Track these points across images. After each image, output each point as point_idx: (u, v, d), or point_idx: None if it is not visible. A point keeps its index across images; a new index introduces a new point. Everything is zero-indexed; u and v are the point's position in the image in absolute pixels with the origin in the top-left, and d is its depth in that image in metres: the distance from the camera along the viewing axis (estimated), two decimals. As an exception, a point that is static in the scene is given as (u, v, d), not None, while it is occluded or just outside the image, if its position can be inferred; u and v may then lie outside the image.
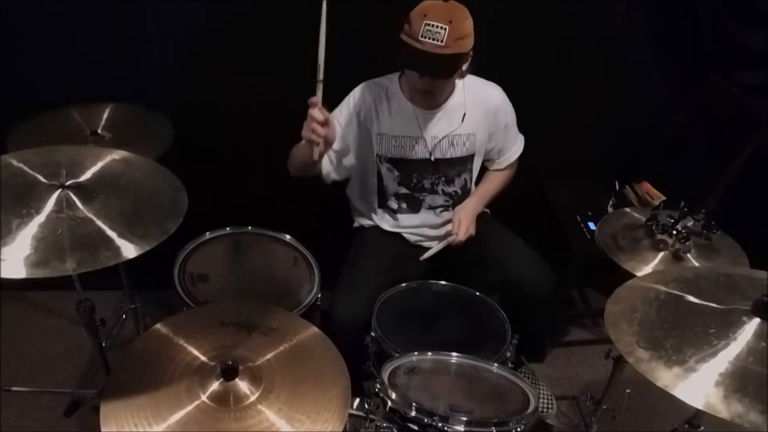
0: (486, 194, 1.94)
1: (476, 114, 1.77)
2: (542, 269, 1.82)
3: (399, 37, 1.57)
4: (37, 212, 1.18)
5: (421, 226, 1.90)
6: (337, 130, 1.75)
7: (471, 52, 1.61)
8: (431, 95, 1.69)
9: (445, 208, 1.88)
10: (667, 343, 1.05)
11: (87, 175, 1.31)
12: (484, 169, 1.98)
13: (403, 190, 1.84)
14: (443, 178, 1.82)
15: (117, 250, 1.15)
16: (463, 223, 1.81)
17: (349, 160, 1.82)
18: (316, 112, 1.47)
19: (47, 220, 1.17)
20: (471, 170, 1.84)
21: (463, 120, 1.75)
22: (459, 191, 1.85)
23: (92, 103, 1.90)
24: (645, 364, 1.03)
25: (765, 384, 0.94)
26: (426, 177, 1.81)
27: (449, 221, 1.88)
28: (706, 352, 1.02)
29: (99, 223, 1.19)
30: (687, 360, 1.01)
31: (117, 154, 1.41)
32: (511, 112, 1.85)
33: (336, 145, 1.74)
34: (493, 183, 1.96)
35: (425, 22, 1.51)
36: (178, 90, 2.03)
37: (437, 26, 1.50)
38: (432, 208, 1.87)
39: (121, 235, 1.17)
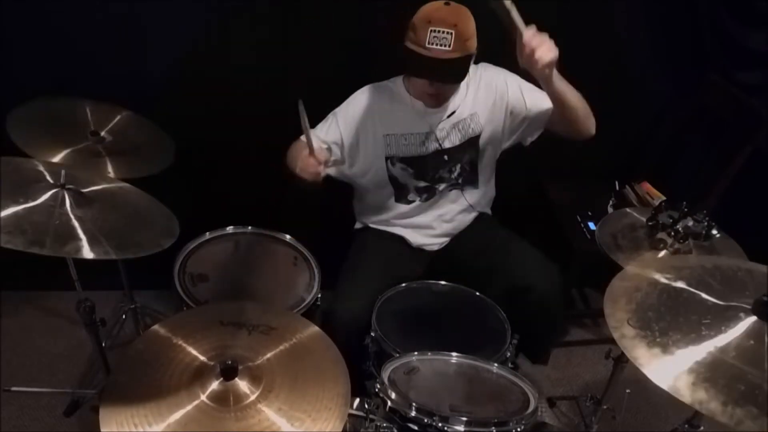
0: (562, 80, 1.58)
1: (477, 95, 1.76)
2: (550, 272, 1.80)
3: (404, 44, 1.57)
4: (33, 201, 1.22)
5: (432, 222, 1.90)
6: (332, 129, 1.77)
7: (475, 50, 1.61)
8: (441, 97, 1.70)
9: (453, 186, 1.88)
10: (656, 325, 1.06)
11: (86, 189, 1.33)
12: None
13: (422, 183, 1.84)
14: (458, 165, 1.83)
15: (80, 247, 1.18)
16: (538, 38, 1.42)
17: (347, 160, 1.82)
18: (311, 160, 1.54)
19: (38, 208, 1.21)
20: (478, 147, 1.82)
21: (457, 110, 1.75)
22: (467, 167, 1.85)
23: (107, 104, 1.87)
24: (627, 341, 1.04)
25: (738, 379, 0.95)
26: (441, 168, 1.81)
27: (459, 212, 1.89)
28: (690, 339, 1.02)
29: (75, 223, 1.22)
30: (669, 344, 1.02)
31: (113, 182, 1.46)
32: (513, 76, 1.73)
33: (330, 141, 1.77)
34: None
35: (431, 28, 1.50)
36: (179, 92, 2.03)
37: (443, 32, 1.50)
38: (441, 191, 1.87)
39: (90, 238, 1.19)
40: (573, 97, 1.63)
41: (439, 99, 1.71)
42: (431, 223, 1.90)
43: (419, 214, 1.90)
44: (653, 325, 1.06)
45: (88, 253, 1.16)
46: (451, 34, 1.50)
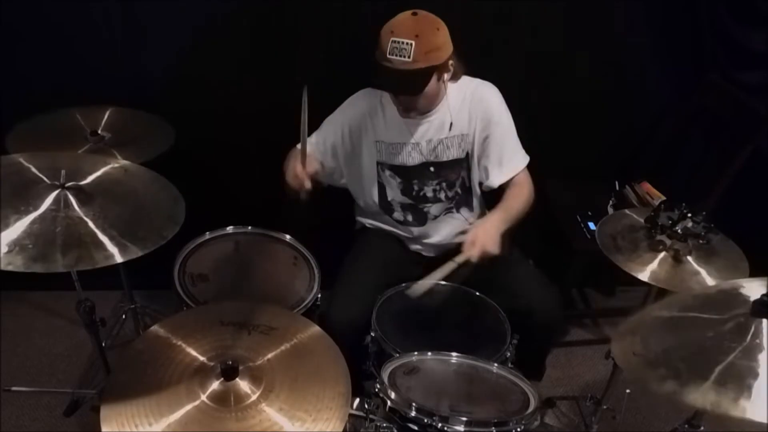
0: (510, 210, 1.72)
1: (471, 113, 1.73)
2: (553, 298, 1.76)
3: (374, 55, 1.56)
4: (35, 209, 1.19)
5: (428, 237, 1.88)
6: (329, 135, 1.77)
7: (450, 62, 1.59)
8: (412, 108, 1.69)
9: (448, 210, 1.87)
10: (659, 347, 1.06)
11: (87, 180, 1.32)
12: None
13: (407, 200, 1.83)
14: (444, 183, 1.80)
15: (108, 252, 1.15)
16: (478, 240, 1.60)
17: (343, 165, 1.82)
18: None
19: (44, 217, 1.17)
20: (469, 168, 1.82)
21: (451, 126, 1.73)
22: (459, 191, 1.84)
23: (93, 105, 1.89)
24: (636, 371, 1.05)
25: (746, 377, 0.95)
26: (427, 184, 1.79)
27: (460, 232, 1.85)
28: (696, 354, 1.02)
29: (91, 225, 1.19)
30: (674, 361, 1.01)
31: (116, 162, 1.42)
32: (508, 117, 1.77)
33: (325, 151, 1.77)
34: (516, 199, 1.75)
35: (392, 39, 1.50)
36: (178, 92, 2.03)
37: (403, 42, 1.49)
38: (436, 217, 1.86)
39: (112, 239, 1.17)
40: (523, 210, 1.75)
41: (408, 110, 1.69)
42: (429, 240, 1.90)
43: (421, 237, 1.89)
44: (656, 348, 1.06)
45: (115, 258, 1.14)
46: (411, 45, 1.48)
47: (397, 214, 1.86)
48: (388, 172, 1.80)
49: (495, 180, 1.78)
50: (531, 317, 1.70)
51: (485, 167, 1.79)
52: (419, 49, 1.49)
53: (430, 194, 1.81)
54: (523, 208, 1.74)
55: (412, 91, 1.59)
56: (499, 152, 1.76)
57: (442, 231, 1.87)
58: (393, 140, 1.75)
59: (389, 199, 1.84)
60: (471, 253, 1.60)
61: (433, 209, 1.84)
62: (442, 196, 1.82)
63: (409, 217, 1.85)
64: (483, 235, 1.61)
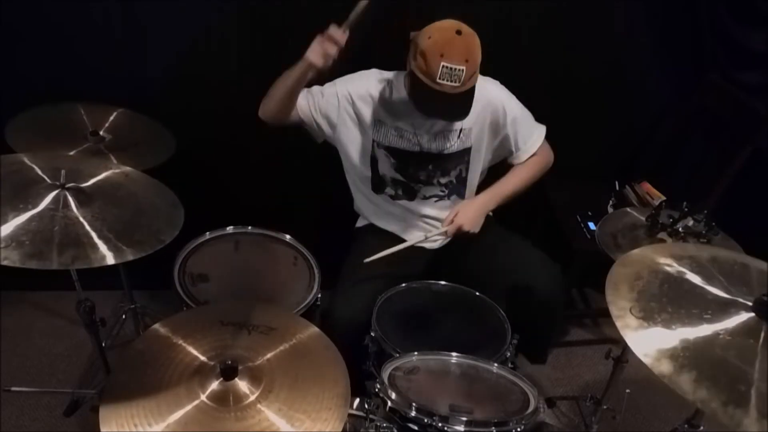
0: (503, 191, 1.83)
1: (477, 108, 1.73)
2: (552, 272, 1.80)
3: (412, 70, 1.54)
4: (34, 207, 1.19)
5: (420, 216, 1.90)
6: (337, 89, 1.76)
7: None
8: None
9: (440, 198, 1.87)
10: (659, 316, 1.05)
11: (88, 183, 1.32)
12: (494, 171, 1.96)
13: (399, 177, 1.84)
14: (439, 171, 1.82)
15: (101, 254, 1.15)
16: (459, 217, 1.73)
17: (339, 124, 1.81)
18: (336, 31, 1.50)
19: (42, 216, 1.18)
20: (468, 161, 1.83)
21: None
22: (454, 180, 1.85)
23: (101, 104, 1.88)
24: (630, 331, 1.04)
25: (738, 379, 0.95)
26: (422, 169, 1.81)
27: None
28: (693, 333, 1.02)
29: (87, 227, 1.19)
30: (672, 337, 1.02)
31: (118, 167, 1.43)
32: (517, 104, 1.80)
33: (328, 105, 1.75)
34: (516, 178, 1.84)
35: (443, 63, 1.46)
36: (178, 92, 2.03)
37: (456, 68, 1.46)
38: (426, 198, 1.87)
39: (108, 241, 1.17)
40: (521, 186, 1.85)
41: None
42: (425, 227, 1.90)
43: (408, 217, 1.90)
44: (656, 316, 1.05)
45: (109, 259, 1.13)
46: (463, 70, 1.47)
47: (389, 189, 1.87)
48: (383, 151, 1.80)
49: (520, 159, 1.87)
50: (531, 295, 1.72)
51: (509, 150, 1.85)
52: (468, 74, 1.49)
53: (424, 177, 1.83)
54: (523, 185, 1.85)
55: (461, 117, 1.59)
56: (515, 135, 1.82)
57: (428, 210, 1.88)
58: (396, 125, 1.76)
59: (381, 173, 1.85)
60: (448, 228, 1.73)
61: (424, 190, 1.86)
62: (435, 181, 1.84)
63: (400, 191, 1.87)
64: (464, 213, 1.73)
